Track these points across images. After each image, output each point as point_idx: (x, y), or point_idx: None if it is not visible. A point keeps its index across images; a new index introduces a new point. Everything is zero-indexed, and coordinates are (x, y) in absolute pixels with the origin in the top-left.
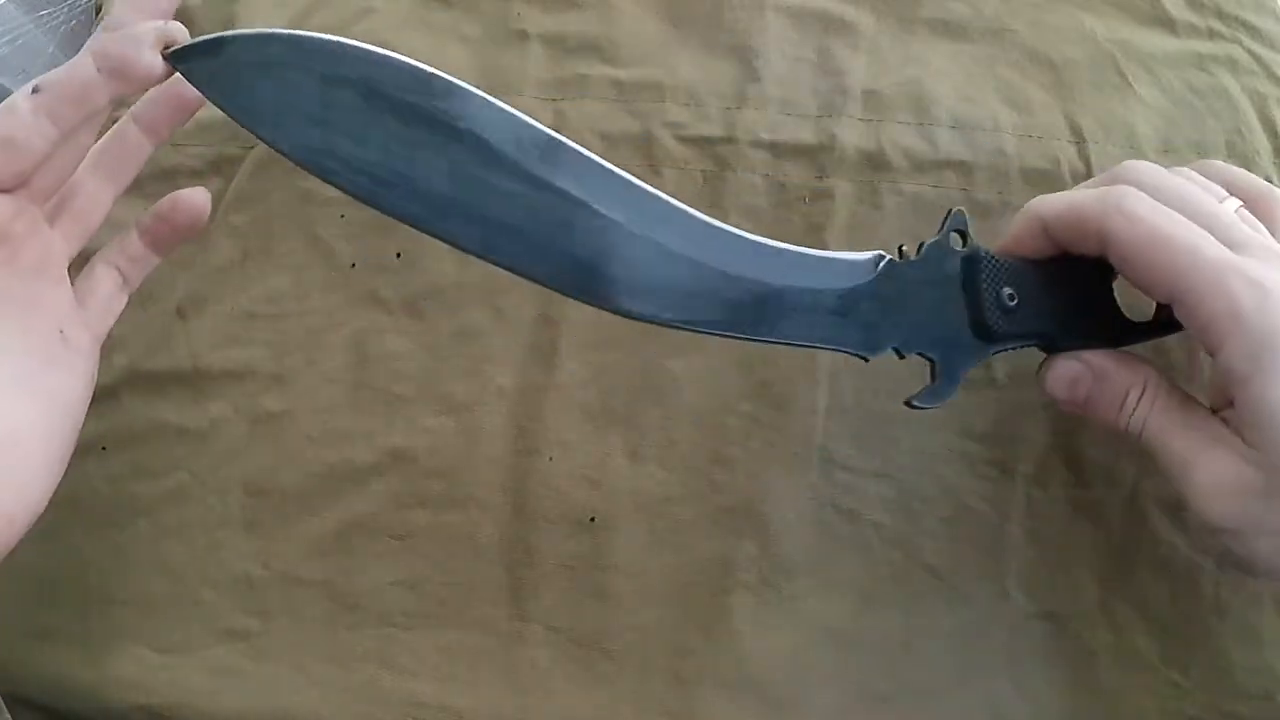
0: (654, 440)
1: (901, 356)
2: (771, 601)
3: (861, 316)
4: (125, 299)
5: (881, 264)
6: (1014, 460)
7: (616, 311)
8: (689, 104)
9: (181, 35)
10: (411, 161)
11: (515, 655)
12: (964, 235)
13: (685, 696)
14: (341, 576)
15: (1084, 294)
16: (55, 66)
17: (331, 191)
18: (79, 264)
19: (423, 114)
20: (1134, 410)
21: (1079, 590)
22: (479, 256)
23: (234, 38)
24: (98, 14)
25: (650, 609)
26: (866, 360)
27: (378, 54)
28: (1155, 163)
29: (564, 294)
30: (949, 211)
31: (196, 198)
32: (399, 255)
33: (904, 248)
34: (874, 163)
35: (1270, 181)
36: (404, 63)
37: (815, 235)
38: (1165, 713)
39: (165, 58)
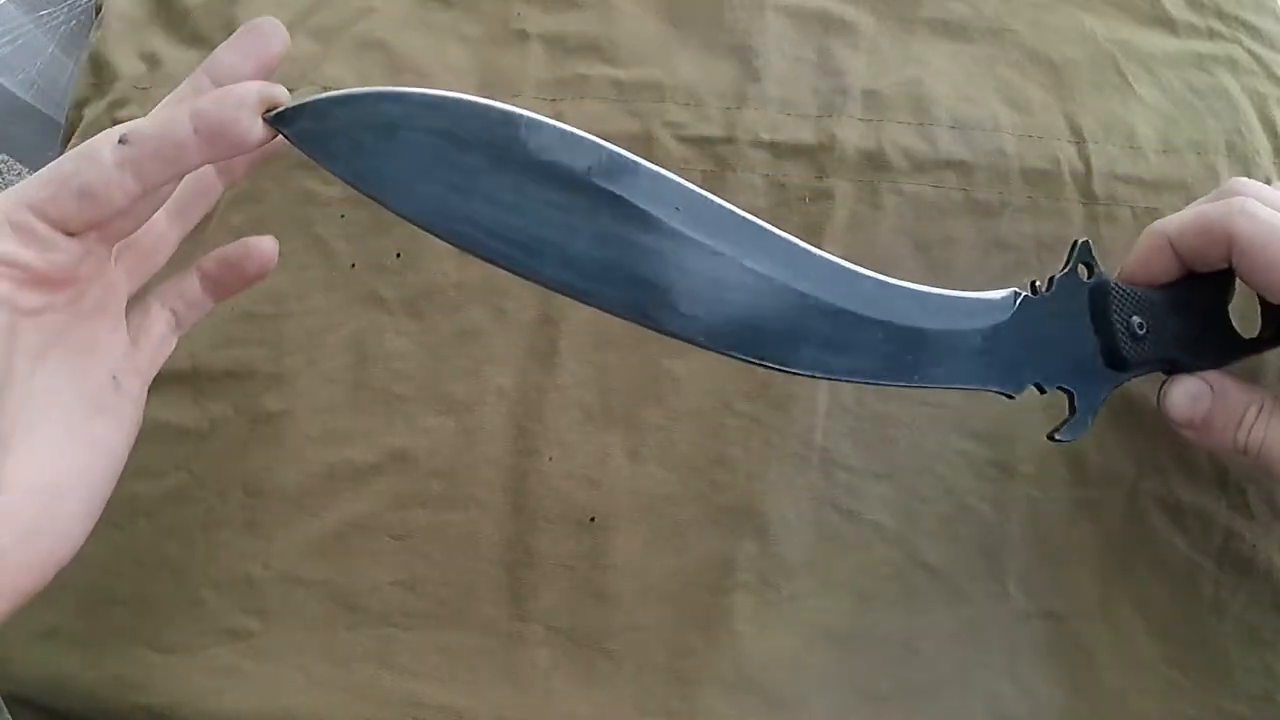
0: (654, 440)
1: (1043, 391)
2: (771, 601)
3: (1004, 354)
4: (175, 342)
5: (1019, 300)
6: (1014, 460)
7: (786, 371)
8: (689, 104)
9: (284, 97)
10: (558, 227)
11: (515, 655)
12: (1090, 267)
13: (685, 696)
14: (341, 576)
15: (1203, 315)
16: (55, 66)
17: (332, 191)
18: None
19: (562, 175)
20: (1252, 426)
21: (1079, 590)
22: (635, 321)
23: (345, 99)
24: (98, 14)
25: (650, 609)
26: (1012, 398)
27: (501, 111)
28: (1155, 163)
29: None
30: (1074, 243)
31: (266, 246)
32: (399, 255)
33: (1036, 283)
34: (874, 163)
35: (1270, 182)
36: (538, 120)
37: (815, 235)
38: (1165, 713)
39: (268, 121)
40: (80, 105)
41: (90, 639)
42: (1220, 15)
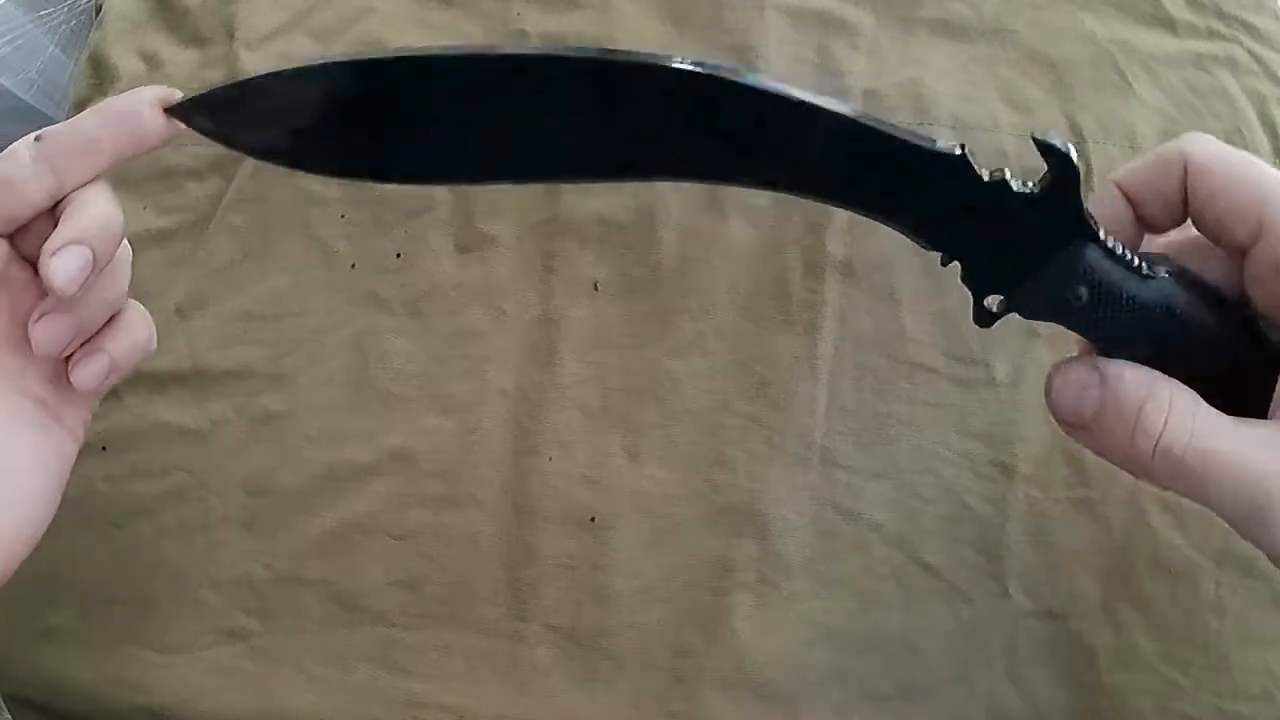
0: (654, 440)
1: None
2: (771, 601)
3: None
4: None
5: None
6: (1014, 460)
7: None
8: None
9: (179, 95)
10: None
11: (515, 655)
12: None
13: (685, 696)
14: (341, 576)
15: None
16: (55, 66)
17: (331, 191)
18: None
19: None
20: (1161, 431)
21: (1079, 590)
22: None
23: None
24: (98, 14)
25: (650, 609)
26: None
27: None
28: None
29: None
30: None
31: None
32: (399, 255)
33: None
34: None
35: None
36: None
37: (815, 235)
38: (1165, 713)
39: (168, 112)
40: (80, 105)
41: (90, 639)
42: (1220, 15)
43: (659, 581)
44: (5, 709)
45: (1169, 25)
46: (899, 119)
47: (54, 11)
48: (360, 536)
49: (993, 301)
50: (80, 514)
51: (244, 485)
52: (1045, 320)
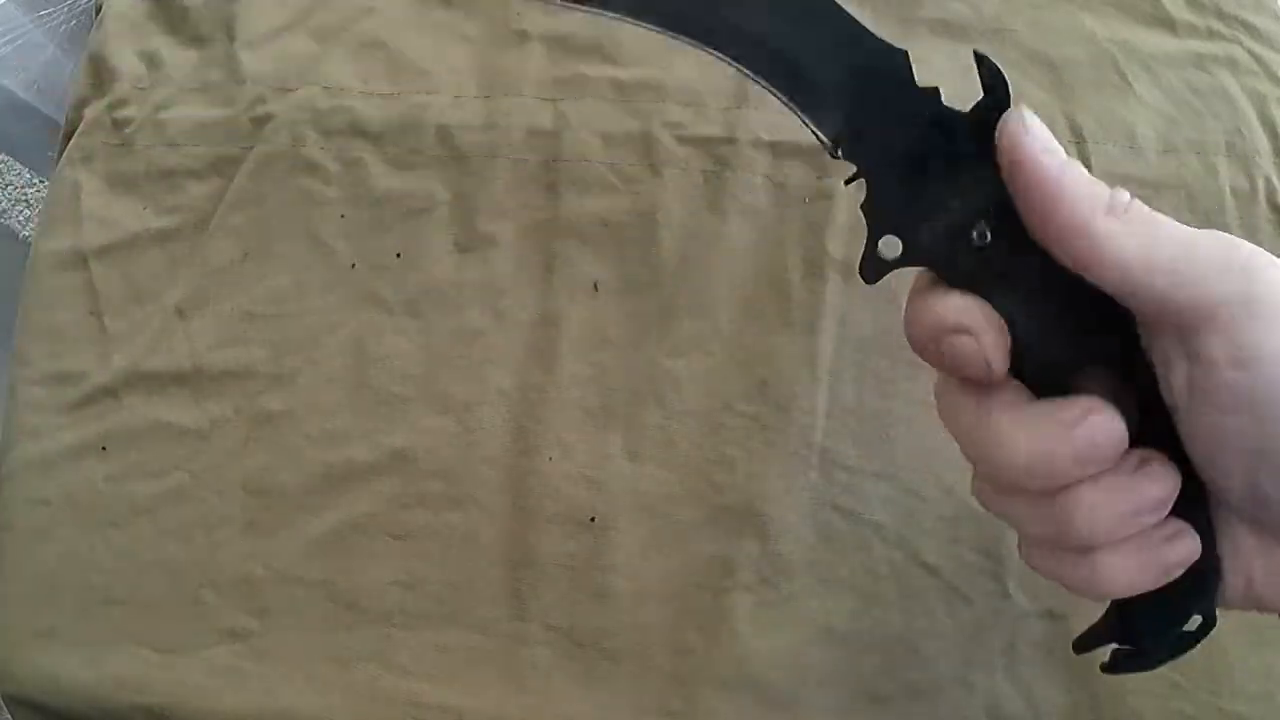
0: (654, 440)
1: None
2: (771, 601)
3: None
4: None
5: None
6: None
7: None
8: (689, 104)
9: None
10: None
11: (515, 655)
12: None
13: (685, 696)
14: (341, 576)
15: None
16: (55, 66)
17: (331, 191)
18: None
19: None
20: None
21: None
22: None
23: None
24: (98, 14)
25: (650, 609)
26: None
27: None
28: (1155, 162)
29: None
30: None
31: None
32: (399, 255)
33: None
34: None
35: (1270, 181)
36: None
37: (815, 235)
38: (1164, 712)
39: None
40: (80, 105)
41: (90, 639)
42: (1220, 15)
43: (659, 581)
44: (5, 709)
45: (1169, 25)
46: None
47: (54, 11)
48: (360, 536)
49: (888, 246)
50: (80, 514)
51: (244, 485)
52: (933, 268)
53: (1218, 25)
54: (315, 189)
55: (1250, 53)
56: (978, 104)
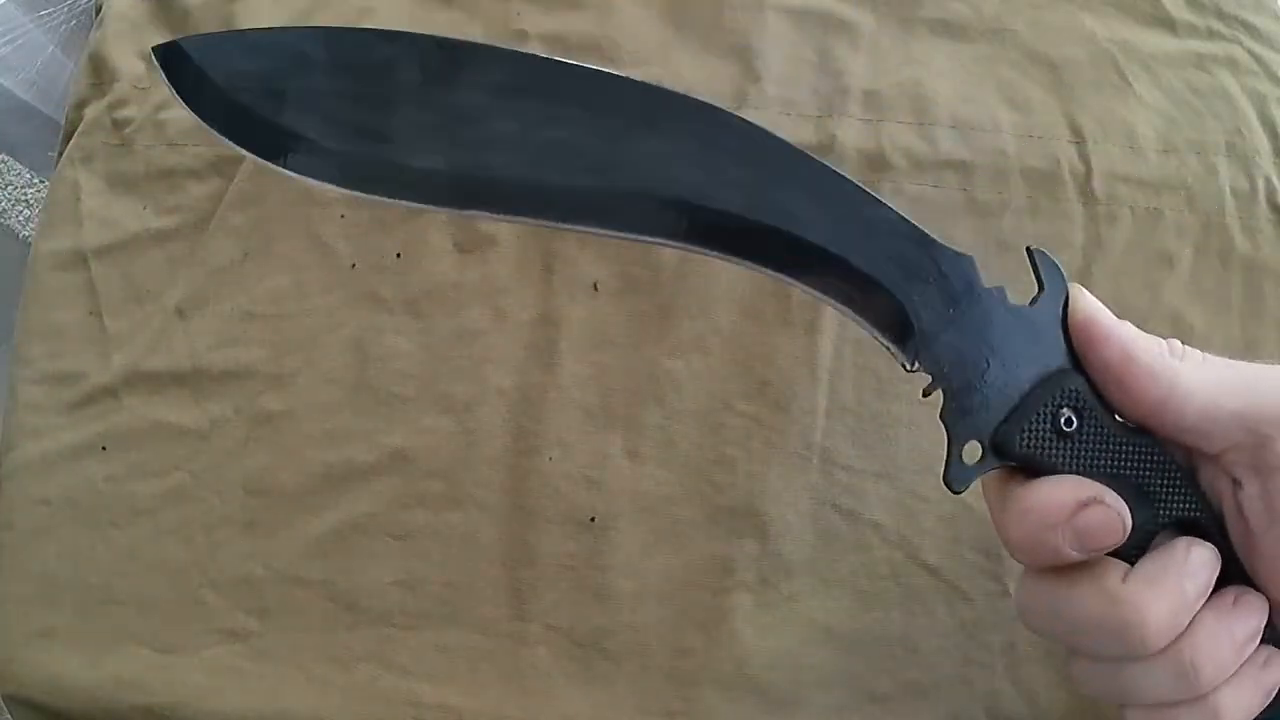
0: (654, 440)
1: (911, 370)
2: (771, 601)
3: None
4: None
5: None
6: None
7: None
8: None
9: None
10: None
11: (515, 655)
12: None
13: (685, 696)
14: (341, 576)
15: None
16: (55, 66)
17: (332, 191)
18: None
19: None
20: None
21: None
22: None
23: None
24: (98, 14)
25: (650, 609)
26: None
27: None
28: (1155, 163)
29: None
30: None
31: None
32: (399, 255)
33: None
34: (874, 163)
35: (1270, 181)
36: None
37: None
38: None
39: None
40: (80, 105)
41: (90, 639)
42: (1220, 15)
43: (659, 581)
44: (5, 709)
45: (1169, 25)
46: (899, 119)
47: (54, 11)
48: (360, 536)
49: (970, 452)
50: (80, 514)
51: (244, 485)
52: (1021, 462)
53: (1218, 25)
54: (315, 188)
55: (1250, 53)
56: (1038, 296)
